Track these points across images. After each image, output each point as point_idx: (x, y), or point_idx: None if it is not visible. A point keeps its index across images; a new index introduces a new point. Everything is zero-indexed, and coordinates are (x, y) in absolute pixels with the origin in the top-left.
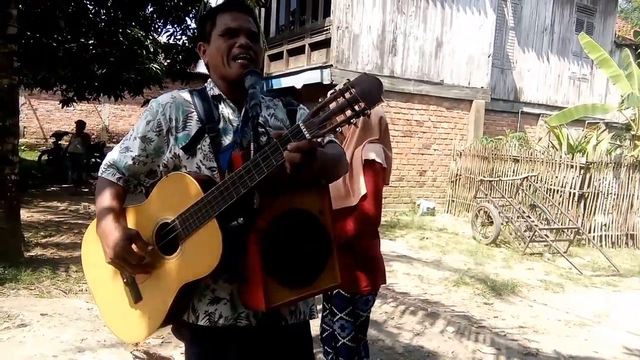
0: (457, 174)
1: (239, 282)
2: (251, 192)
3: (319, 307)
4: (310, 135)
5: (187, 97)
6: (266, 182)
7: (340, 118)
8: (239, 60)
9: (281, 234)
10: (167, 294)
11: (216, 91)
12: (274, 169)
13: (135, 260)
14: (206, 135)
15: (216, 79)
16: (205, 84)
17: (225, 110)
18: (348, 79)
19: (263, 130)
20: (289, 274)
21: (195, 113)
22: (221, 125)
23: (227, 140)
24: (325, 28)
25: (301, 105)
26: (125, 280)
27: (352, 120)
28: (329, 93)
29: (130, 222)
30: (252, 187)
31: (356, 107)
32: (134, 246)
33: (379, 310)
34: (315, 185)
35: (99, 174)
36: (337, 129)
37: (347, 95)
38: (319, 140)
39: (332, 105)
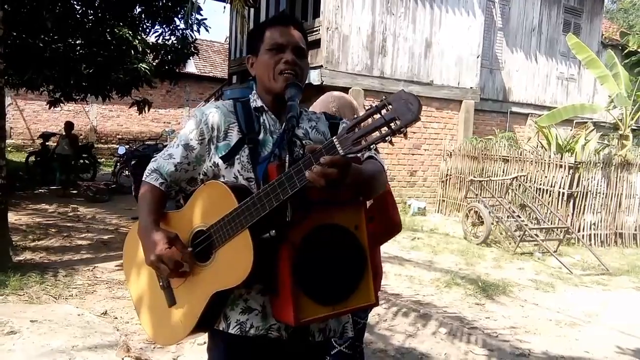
0: (447, 174)
1: (271, 294)
2: (284, 205)
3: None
4: (343, 151)
5: (231, 107)
6: (299, 196)
7: (375, 135)
8: (284, 74)
9: (314, 249)
10: (199, 300)
11: (259, 103)
12: (307, 183)
13: (173, 264)
14: (245, 145)
15: (261, 92)
16: (250, 96)
17: (267, 122)
18: (385, 96)
19: (300, 143)
20: (320, 289)
21: (236, 124)
22: (261, 136)
23: (266, 151)
24: (314, 29)
25: (343, 120)
26: (161, 284)
27: (387, 138)
28: (366, 109)
29: (169, 228)
30: (284, 200)
31: (392, 125)
32: (173, 249)
33: (370, 313)
34: (352, 201)
35: (143, 178)
36: (372, 146)
37: (384, 112)
38: (358, 155)
39: (368, 122)
